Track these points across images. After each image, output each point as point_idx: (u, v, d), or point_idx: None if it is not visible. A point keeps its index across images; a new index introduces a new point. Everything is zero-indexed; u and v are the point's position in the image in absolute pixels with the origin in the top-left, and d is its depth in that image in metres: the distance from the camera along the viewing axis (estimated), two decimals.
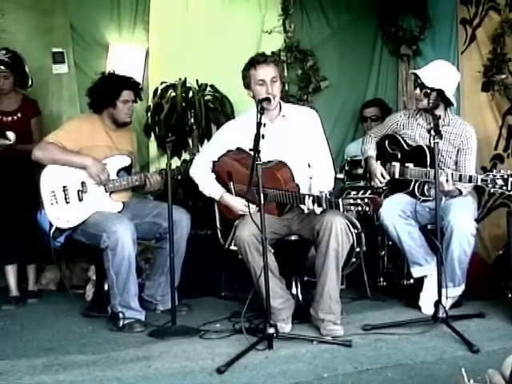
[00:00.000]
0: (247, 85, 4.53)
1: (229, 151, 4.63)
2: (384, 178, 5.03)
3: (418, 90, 4.85)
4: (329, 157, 4.65)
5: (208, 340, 4.28)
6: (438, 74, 4.80)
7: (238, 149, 4.57)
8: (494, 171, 4.42)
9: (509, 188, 4.30)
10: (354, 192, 4.05)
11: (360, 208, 3.93)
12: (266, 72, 4.44)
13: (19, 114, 5.54)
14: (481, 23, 5.80)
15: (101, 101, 4.97)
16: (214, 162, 4.69)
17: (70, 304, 5.14)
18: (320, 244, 4.26)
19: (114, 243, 4.53)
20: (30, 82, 5.55)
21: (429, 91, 4.63)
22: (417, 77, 4.86)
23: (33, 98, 5.71)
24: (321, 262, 4.27)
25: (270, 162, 4.45)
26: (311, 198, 4.14)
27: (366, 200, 3.93)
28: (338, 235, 4.18)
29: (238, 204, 4.49)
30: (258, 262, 4.21)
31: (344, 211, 4.06)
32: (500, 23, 5.55)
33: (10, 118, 5.51)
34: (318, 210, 4.15)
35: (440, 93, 4.73)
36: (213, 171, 4.69)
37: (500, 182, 4.32)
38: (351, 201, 3.97)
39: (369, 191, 4.15)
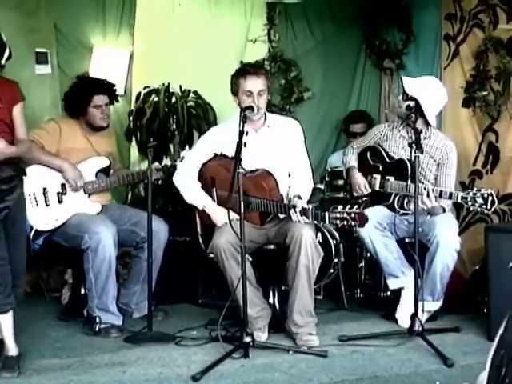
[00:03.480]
0: (234, 92, 4.53)
1: (215, 156, 4.63)
2: (366, 190, 5.04)
3: (399, 97, 4.89)
4: (308, 167, 4.68)
5: (184, 347, 4.28)
6: (423, 87, 4.83)
7: (222, 155, 4.57)
8: (475, 189, 4.45)
9: (488, 207, 4.34)
10: (341, 206, 4.08)
11: (346, 222, 3.98)
12: (255, 84, 4.44)
13: None
14: (465, 39, 5.84)
15: (73, 107, 4.95)
16: (200, 169, 4.68)
17: (46, 307, 5.11)
18: (290, 259, 4.28)
19: (95, 244, 4.51)
20: (7, 53, 4.18)
21: (411, 104, 4.68)
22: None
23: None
24: (292, 278, 4.30)
25: (256, 170, 4.48)
26: (298, 209, 4.16)
27: (352, 215, 3.98)
28: (308, 250, 4.20)
29: (219, 218, 4.47)
30: (234, 270, 4.22)
31: (329, 223, 4.11)
32: (484, 40, 5.59)
33: None
34: (303, 221, 4.18)
35: (419, 106, 4.75)
36: (199, 177, 4.68)
37: (480, 200, 4.36)
38: (338, 215, 4.01)
39: (355, 206, 4.16)
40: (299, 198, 4.35)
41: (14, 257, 3.82)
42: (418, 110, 4.71)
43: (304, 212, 4.17)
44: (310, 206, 4.23)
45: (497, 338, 2.19)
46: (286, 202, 4.40)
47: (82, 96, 4.90)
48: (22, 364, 3.80)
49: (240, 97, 4.48)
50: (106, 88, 5.03)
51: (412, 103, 4.71)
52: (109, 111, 5.05)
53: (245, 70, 4.54)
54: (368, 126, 6.15)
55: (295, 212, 4.19)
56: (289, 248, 4.28)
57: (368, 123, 6.22)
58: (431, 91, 4.85)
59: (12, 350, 3.79)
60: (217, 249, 4.27)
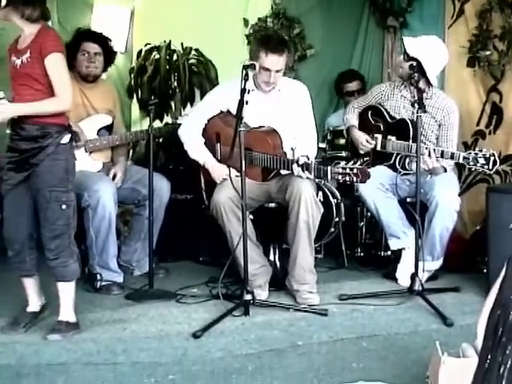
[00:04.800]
0: (253, 57, 4.42)
1: (221, 112, 4.62)
2: (370, 144, 5.02)
3: (401, 57, 4.83)
4: (314, 132, 4.66)
5: (185, 304, 4.32)
6: (425, 47, 4.78)
7: (229, 111, 4.55)
8: (477, 149, 4.44)
9: (490, 167, 4.32)
10: (344, 162, 4.08)
11: (348, 178, 3.99)
12: (275, 63, 4.36)
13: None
14: None
15: (67, 56, 4.91)
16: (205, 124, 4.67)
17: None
18: (290, 215, 4.29)
19: (95, 202, 4.50)
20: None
21: (414, 63, 4.62)
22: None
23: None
24: (292, 234, 4.31)
25: (261, 126, 4.47)
26: (300, 163, 4.16)
27: (355, 170, 3.98)
28: (308, 207, 4.21)
29: (218, 173, 4.48)
30: (234, 226, 4.23)
31: (331, 179, 4.11)
32: None
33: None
34: (305, 176, 4.18)
35: (420, 66, 4.70)
36: (203, 133, 4.67)
37: (482, 160, 4.34)
38: (340, 170, 4.02)
39: (358, 162, 4.17)
40: (305, 157, 4.32)
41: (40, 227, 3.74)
42: (419, 70, 4.65)
43: (306, 167, 4.16)
44: (313, 161, 4.24)
45: (491, 300, 2.19)
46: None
47: (72, 43, 4.87)
48: (21, 320, 3.85)
49: (258, 70, 4.35)
50: (97, 37, 5.00)
51: (414, 63, 4.65)
52: (100, 62, 4.96)
53: (268, 44, 4.39)
54: (362, 83, 6.15)
55: (298, 166, 4.18)
56: (288, 204, 4.28)
57: (361, 81, 6.21)
58: (433, 51, 4.80)
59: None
60: (216, 205, 4.27)
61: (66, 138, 3.73)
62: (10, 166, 3.72)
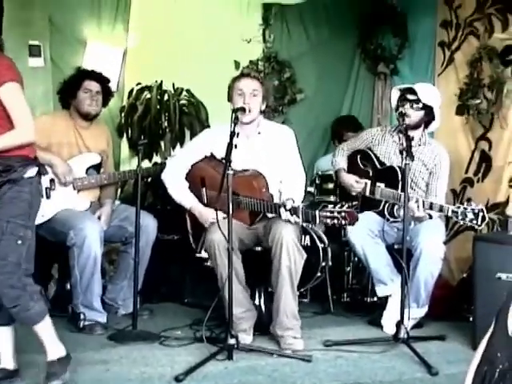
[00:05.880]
0: (230, 97, 4.52)
1: (205, 157, 4.62)
2: (360, 184, 5.02)
3: (407, 105, 4.81)
4: (301, 175, 4.64)
5: (168, 347, 4.27)
6: (430, 92, 4.88)
7: (212, 156, 4.56)
8: (465, 203, 4.43)
9: (479, 223, 4.30)
10: (331, 205, 4.08)
11: (336, 221, 3.99)
12: (248, 84, 4.45)
13: None
14: (459, 47, 5.86)
15: (65, 93, 4.94)
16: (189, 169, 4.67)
17: None
18: (273, 260, 4.27)
19: (80, 241, 4.48)
20: None
21: (403, 111, 4.64)
22: (409, 92, 4.85)
23: None
24: (275, 279, 4.28)
25: (246, 170, 4.47)
26: (288, 207, 4.16)
27: (342, 213, 3.99)
28: (290, 252, 4.19)
29: (206, 218, 4.48)
30: (226, 267, 4.19)
31: (320, 223, 4.10)
32: (478, 48, 5.61)
33: None
34: (293, 220, 4.17)
35: (427, 111, 4.80)
36: (187, 177, 4.66)
37: (470, 215, 4.32)
38: (328, 213, 4.02)
39: (345, 205, 4.17)
40: (291, 200, 4.32)
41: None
42: (425, 116, 4.83)
43: (294, 211, 4.16)
44: (301, 205, 4.24)
45: (479, 354, 2.17)
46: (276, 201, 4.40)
47: (73, 81, 4.93)
48: None
49: (233, 98, 4.47)
50: (99, 77, 5.03)
51: (403, 110, 4.66)
52: (100, 102, 5.00)
53: (240, 74, 4.61)
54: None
55: (285, 210, 4.17)
56: (271, 250, 4.27)
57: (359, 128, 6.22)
58: (435, 96, 4.92)
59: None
60: (211, 244, 4.25)
61: (32, 172, 3.44)
62: None
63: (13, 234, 3.32)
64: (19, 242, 3.34)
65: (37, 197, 3.50)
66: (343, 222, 4.00)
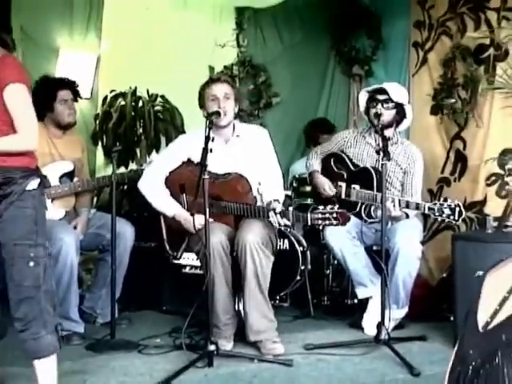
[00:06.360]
0: (202, 104, 4.50)
1: (183, 163, 4.57)
2: (331, 191, 5.00)
3: (379, 105, 4.80)
4: (279, 174, 4.62)
5: (147, 355, 4.22)
6: (398, 90, 4.89)
7: (190, 160, 4.52)
8: (441, 199, 4.43)
9: (456, 218, 4.31)
10: (322, 206, 4.06)
11: (328, 222, 3.98)
12: (219, 89, 4.42)
13: None
14: (433, 47, 5.88)
15: (39, 107, 4.85)
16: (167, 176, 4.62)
17: (5, 313, 4.99)
18: (240, 266, 4.23)
19: (56, 251, 4.40)
20: None
21: (379, 111, 4.65)
22: (378, 93, 4.85)
23: None
24: (243, 284, 4.24)
25: (229, 174, 4.43)
26: (278, 211, 4.13)
27: (334, 214, 3.98)
28: (254, 255, 4.15)
29: (191, 224, 4.35)
30: (218, 272, 4.15)
31: (312, 225, 4.10)
32: (451, 48, 5.63)
33: None
34: (283, 223, 4.16)
35: (399, 110, 4.82)
36: (166, 184, 4.61)
37: (447, 211, 4.33)
38: (319, 215, 4.00)
39: (336, 206, 4.15)
40: (277, 201, 4.29)
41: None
42: (397, 114, 4.84)
43: (284, 214, 4.13)
44: (291, 208, 4.22)
45: (452, 356, 2.16)
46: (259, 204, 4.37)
47: (47, 93, 4.82)
48: None
49: (206, 105, 4.44)
50: (69, 84, 4.98)
51: (378, 111, 4.67)
52: (75, 108, 4.98)
53: (209, 79, 4.57)
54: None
55: (275, 214, 4.14)
56: (237, 254, 4.24)
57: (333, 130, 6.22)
58: (404, 94, 4.92)
59: None
60: (210, 246, 4.13)
61: (34, 184, 3.18)
62: None
63: (23, 257, 3.08)
64: (31, 263, 3.09)
65: (41, 210, 3.23)
66: (335, 223, 4.00)
